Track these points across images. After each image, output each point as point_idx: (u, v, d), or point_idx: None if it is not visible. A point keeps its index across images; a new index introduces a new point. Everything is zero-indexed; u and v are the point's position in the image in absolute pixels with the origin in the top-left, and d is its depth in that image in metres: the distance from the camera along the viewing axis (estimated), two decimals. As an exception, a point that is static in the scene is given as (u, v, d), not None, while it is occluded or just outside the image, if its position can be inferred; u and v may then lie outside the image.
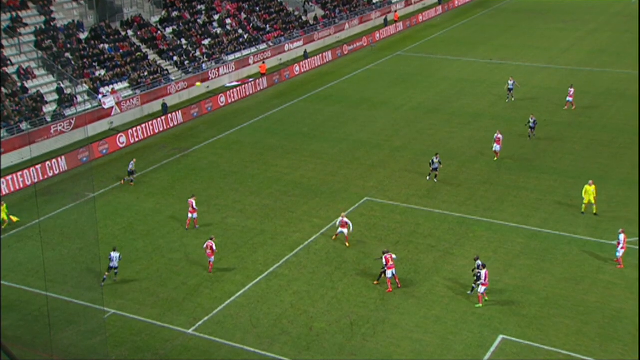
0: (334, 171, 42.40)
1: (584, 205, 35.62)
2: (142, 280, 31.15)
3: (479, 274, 28.31)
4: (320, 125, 50.58)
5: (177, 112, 52.44)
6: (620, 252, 30.80)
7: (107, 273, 30.68)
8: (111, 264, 30.53)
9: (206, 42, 63.29)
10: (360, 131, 49.10)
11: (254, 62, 64.38)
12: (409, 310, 28.36)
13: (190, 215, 35.47)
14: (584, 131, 47.54)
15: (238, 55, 64.11)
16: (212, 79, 60.19)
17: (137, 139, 48.83)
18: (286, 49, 68.95)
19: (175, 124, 51.85)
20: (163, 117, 51.37)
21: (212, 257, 31.26)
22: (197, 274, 31.52)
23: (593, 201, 35.23)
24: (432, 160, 39.86)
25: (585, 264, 31.24)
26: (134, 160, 41.79)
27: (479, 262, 28.97)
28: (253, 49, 65.81)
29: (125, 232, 35.61)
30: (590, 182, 35.51)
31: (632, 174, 40.19)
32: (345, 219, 33.16)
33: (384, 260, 29.47)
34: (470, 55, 68.09)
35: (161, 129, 50.70)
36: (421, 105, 54.20)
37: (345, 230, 33.01)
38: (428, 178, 40.00)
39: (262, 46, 66.97)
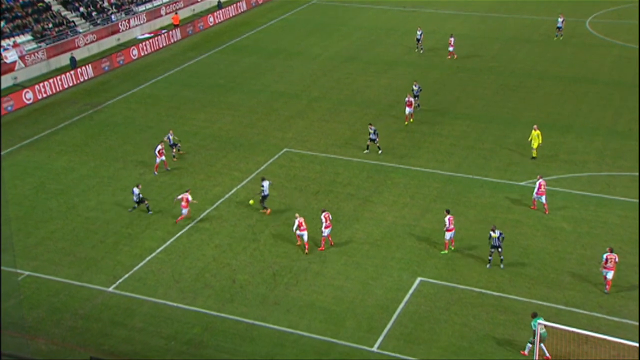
0: (252, 123, 41.84)
1: (534, 151, 36.19)
2: (58, 240, 30.07)
3: (495, 241, 27.36)
4: (237, 77, 49.60)
5: (87, 66, 50.15)
6: (542, 199, 31.09)
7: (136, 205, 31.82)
8: (134, 198, 31.68)
9: (114, -8, 60.43)
10: (277, 82, 48.48)
11: (166, 13, 62.13)
12: (330, 258, 28.65)
13: (158, 159, 35.10)
14: (494, 76, 48.66)
15: (149, 5, 61.65)
16: (122, 31, 57.74)
17: (45, 95, 46.51)
18: (199, -2, 66.79)
19: (86, 78, 49.63)
20: (72, 72, 49.04)
21: (186, 210, 30.84)
22: (115, 231, 30.68)
23: (535, 145, 36.01)
24: (369, 131, 36.84)
25: (496, 206, 32.30)
26: (171, 131, 37.58)
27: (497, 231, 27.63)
28: (164, -1, 63.41)
29: (37, 192, 34.14)
30: (535, 126, 36.31)
31: (539, 117, 41.55)
32: (301, 219, 28.93)
33: (323, 219, 28.93)
34: (384, 3, 67.99)
35: (70, 84, 48.45)
36: (337, 54, 53.93)
37: (305, 234, 28.91)
38: (366, 151, 37.18)
39: (174, -4, 64.56)
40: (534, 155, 36.29)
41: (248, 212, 32.04)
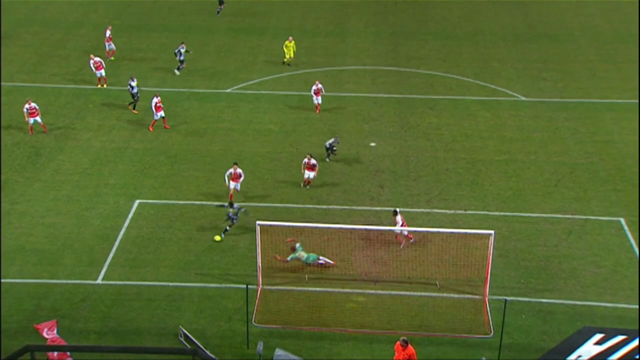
0: None
1: (285, 59, 36.67)
2: None
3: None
4: None
5: None
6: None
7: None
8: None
9: None
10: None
11: None
12: (37, 196, 26.12)
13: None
14: None
15: None
16: None
17: None
18: None
19: None
20: None
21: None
22: None
23: (292, 55, 36.62)
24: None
25: (206, 116, 32.00)
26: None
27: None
28: None
29: None
30: (290, 38, 36.56)
31: (235, 22, 41.86)
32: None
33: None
34: None
35: None
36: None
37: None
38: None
39: None
40: (285, 61, 36.85)
41: None
